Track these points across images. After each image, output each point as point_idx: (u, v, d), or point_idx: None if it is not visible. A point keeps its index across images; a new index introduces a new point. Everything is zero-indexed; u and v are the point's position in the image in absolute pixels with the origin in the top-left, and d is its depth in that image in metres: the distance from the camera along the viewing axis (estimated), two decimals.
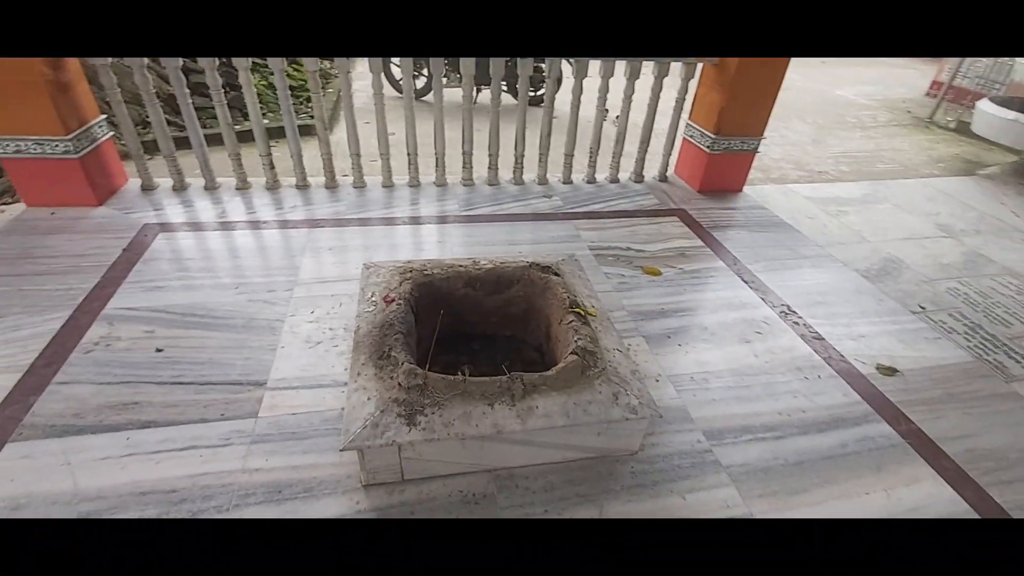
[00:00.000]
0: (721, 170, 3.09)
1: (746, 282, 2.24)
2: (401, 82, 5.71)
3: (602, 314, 1.62)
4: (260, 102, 4.78)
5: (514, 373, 1.32)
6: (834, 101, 7.34)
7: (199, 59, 2.50)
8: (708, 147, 2.99)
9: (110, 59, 2.37)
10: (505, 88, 5.80)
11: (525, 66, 2.73)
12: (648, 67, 2.92)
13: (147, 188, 2.66)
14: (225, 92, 2.66)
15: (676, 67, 2.94)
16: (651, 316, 1.97)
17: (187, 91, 2.50)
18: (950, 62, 7.23)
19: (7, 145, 2.27)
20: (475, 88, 5.93)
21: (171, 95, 2.52)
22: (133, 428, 1.37)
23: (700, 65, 2.97)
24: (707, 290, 2.17)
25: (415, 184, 2.94)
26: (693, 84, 3.02)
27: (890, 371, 1.78)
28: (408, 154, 2.86)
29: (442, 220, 2.63)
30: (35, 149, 2.29)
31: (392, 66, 5.96)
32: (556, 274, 1.75)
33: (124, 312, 1.78)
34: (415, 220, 2.61)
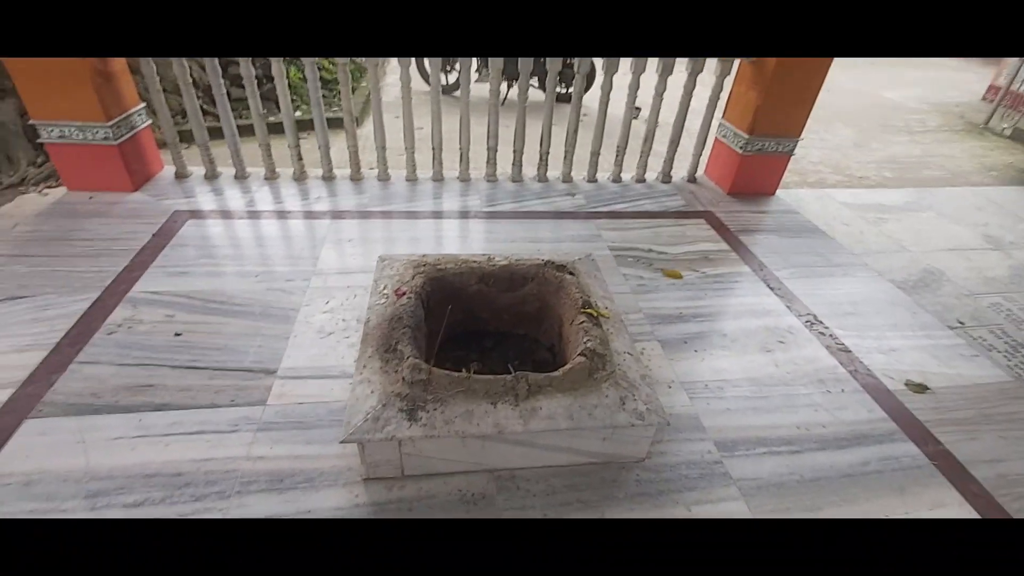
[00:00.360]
0: (753, 172, 2.98)
1: (772, 289, 2.14)
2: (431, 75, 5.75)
3: (615, 316, 1.57)
4: (295, 94, 4.87)
5: (519, 372, 1.29)
6: (881, 104, 6.99)
7: None
8: (741, 148, 2.88)
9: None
10: (536, 85, 5.74)
11: (554, 62, 2.69)
12: (681, 64, 2.83)
13: (180, 176, 2.74)
14: (261, 84, 2.71)
15: (711, 64, 2.84)
16: (668, 320, 1.91)
17: (222, 82, 2.56)
18: (1009, 66, 6.79)
19: (51, 130, 2.37)
20: (506, 84, 5.93)
21: (209, 85, 2.59)
22: (146, 410, 1.40)
23: (736, 62, 2.86)
24: (729, 295, 2.09)
25: (439, 179, 2.94)
26: (728, 82, 2.91)
27: (920, 388, 1.67)
28: (433, 149, 2.86)
29: (464, 215, 2.61)
30: (77, 135, 2.39)
31: (424, 60, 5.98)
32: (571, 273, 1.72)
33: (148, 296, 1.84)
34: (437, 215, 2.60)
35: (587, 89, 3.32)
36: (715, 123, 3.03)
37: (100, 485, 1.21)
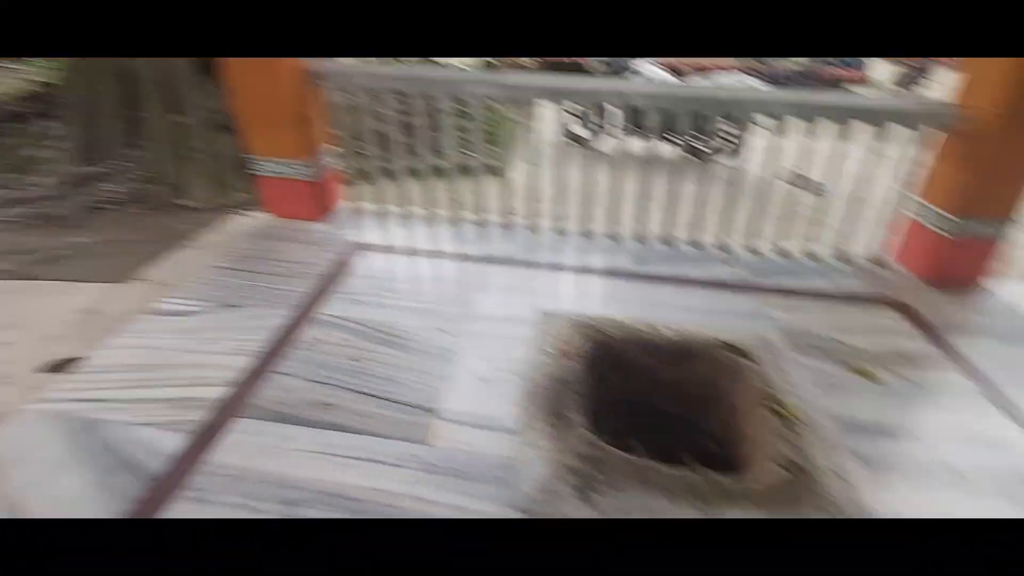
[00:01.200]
0: (958, 259, 2.60)
1: (1010, 416, 1.79)
2: (577, 131, 6.03)
3: (809, 420, 1.42)
4: (455, 140, 5.40)
5: (706, 473, 1.21)
6: None
7: (408, 98, 2.91)
8: (943, 229, 2.54)
9: (344, 96, 2.89)
10: (688, 142, 5.71)
11: (710, 120, 2.65)
12: (865, 128, 2.61)
13: (356, 211, 3.12)
14: (422, 130, 3.05)
15: (902, 133, 2.59)
16: (868, 433, 1.67)
17: (395, 128, 2.92)
18: None
19: (265, 165, 2.86)
20: (655, 140, 5.98)
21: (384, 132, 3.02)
22: (328, 428, 1.56)
23: (940, 131, 2.57)
24: (946, 413, 1.79)
25: (587, 233, 3.00)
26: (913, 144, 2.62)
27: None
28: (582, 204, 2.94)
29: (612, 274, 2.62)
30: (280, 170, 2.85)
31: (570, 114, 6.29)
32: (750, 359, 1.61)
33: (330, 319, 2.08)
34: (584, 270, 2.64)
35: (740, 151, 3.23)
36: (903, 194, 2.73)
37: (293, 494, 1.35)
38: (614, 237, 2.98)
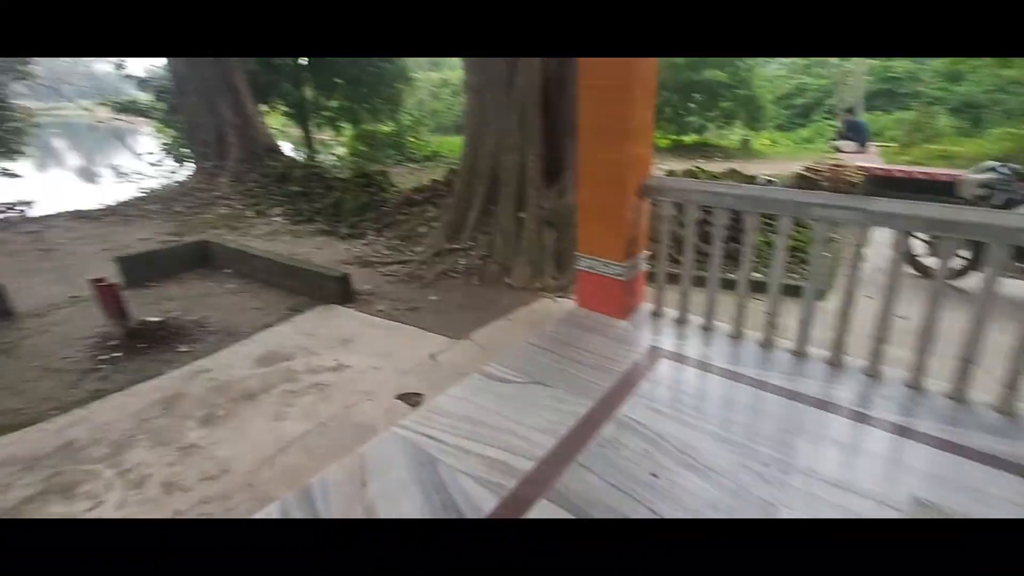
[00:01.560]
0: None
1: None
2: (924, 259, 4.86)
3: None
4: (778, 258, 5.10)
5: None
6: None
7: (742, 219, 2.81)
8: None
9: (671, 208, 3.00)
10: None
11: None
12: None
13: (657, 314, 3.14)
14: (747, 244, 2.89)
15: None
16: None
17: (720, 241, 2.84)
18: None
19: (586, 261, 3.16)
20: None
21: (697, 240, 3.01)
22: None
23: None
24: None
25: (960, 398, 2.28)
26: None
27: None
28: (961, 358, 2.25)
29: (1007, 465, 1.87)
30: (601, 268, 3.10)
31: (915, 241, 5.17)
32: None
33: (630, 421, 2.05)
34: (958, 449, 1.97)
35: None
36: None
37: None
38: (1008, 413, 2.17)
